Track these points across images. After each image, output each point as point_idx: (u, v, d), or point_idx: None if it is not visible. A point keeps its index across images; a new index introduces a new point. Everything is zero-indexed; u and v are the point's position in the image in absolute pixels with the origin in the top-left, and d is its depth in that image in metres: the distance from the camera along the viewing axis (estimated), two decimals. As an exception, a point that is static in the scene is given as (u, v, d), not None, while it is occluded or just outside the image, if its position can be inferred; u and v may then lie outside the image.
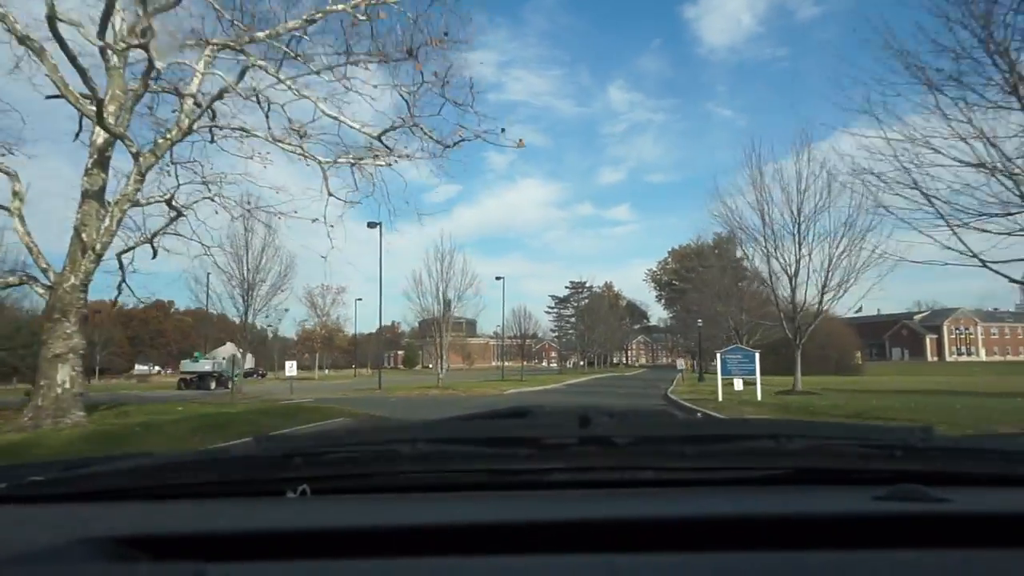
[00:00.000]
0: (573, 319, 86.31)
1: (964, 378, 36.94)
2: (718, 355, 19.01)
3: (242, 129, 14.42)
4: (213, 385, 36.25)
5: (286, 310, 33.64)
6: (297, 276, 68.26)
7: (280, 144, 14.12)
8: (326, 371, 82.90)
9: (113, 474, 1.15)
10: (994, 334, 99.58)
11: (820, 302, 22.50)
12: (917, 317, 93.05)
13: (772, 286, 23.58)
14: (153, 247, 16.33)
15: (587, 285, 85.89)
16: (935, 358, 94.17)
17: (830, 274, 21.90)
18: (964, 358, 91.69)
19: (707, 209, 26.83)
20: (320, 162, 14.57)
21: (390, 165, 14.36)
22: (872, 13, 22.96)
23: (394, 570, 0.73)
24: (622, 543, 0.79)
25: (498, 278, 47.87)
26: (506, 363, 64.23)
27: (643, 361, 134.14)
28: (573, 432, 1.10)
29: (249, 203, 17.51)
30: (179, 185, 15.38)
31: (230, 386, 29.05)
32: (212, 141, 14.90)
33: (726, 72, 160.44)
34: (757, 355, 18.23)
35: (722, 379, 18.66)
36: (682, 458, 1.08)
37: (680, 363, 49.83)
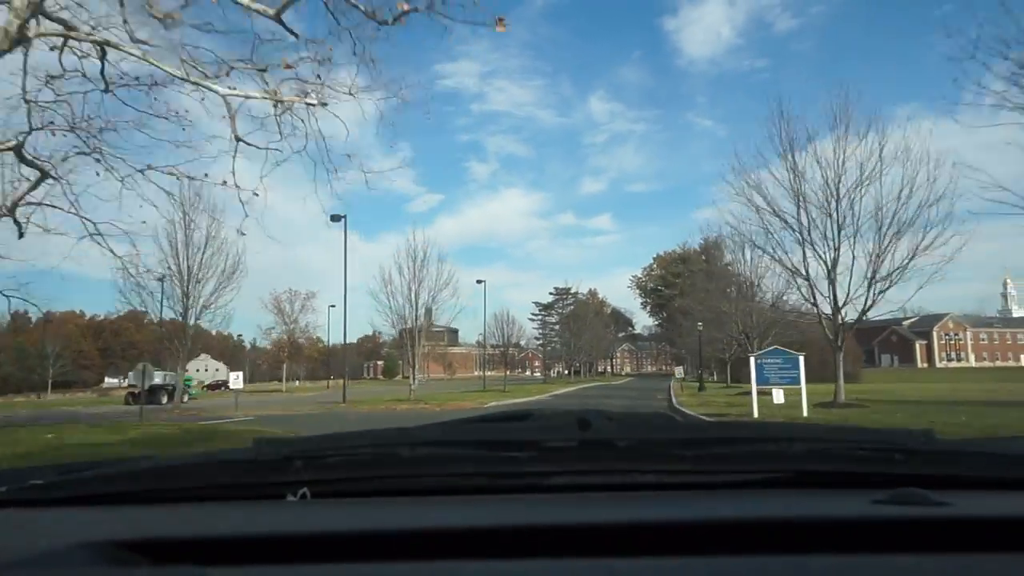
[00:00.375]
0: (558, 327, 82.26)
1: (979, 384, 34.80)
2: (752, 360, 15.36)
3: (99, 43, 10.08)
4: (165, 399, 33.69)
5: (231, 312, 29.33)
6: (265, 280, 63.04)
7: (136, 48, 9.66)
8: (297, 382, 77.88)
9: (113, 478, 1.15)
10: (983, 340, 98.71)
11: (868, 296, 19.31)
12: (906, 323, 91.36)
13: (808, 278, 20.21)
14: (16, 222, 12.00)
15: (572, 291, 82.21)
16: (925, 364, 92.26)
17: (879, 261, 18.89)
18: (954, 364, 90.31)
19: (730, 188, 22.32)
20: (219, 90, 10.30)
21: (323, 105, 10.19)
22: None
23: (394, 574, 0.73)
24: (622, 547, 0.79)
25: (479, 281, 43.93)
26: (489, 373, 59.89)
27: (628, 370, 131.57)
28: (573, 435, 1.10)
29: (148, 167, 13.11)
30: (31, 130, 11.10)
31: (184, 399, 27.71)
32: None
33: (706, 83, 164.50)
34: (802, 360, 14.24)
35: (757, 389, 15.79)
36: (682, 461, 1.09)
37: (679, 371, 45.95)
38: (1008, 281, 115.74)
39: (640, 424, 1.29)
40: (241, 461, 1.15)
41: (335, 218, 27.99)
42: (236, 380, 26.25)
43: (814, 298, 20.20)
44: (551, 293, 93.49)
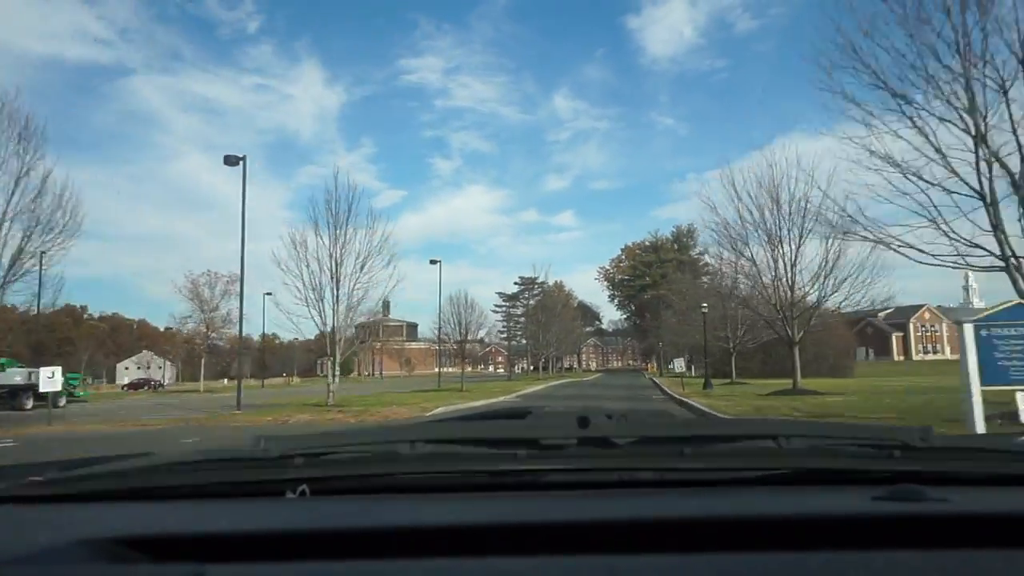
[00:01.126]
0: (523, 319, 75.95)
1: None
2: (967, 328, 8.79)
3: None
4: (30, 403, 27.30)
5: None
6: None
7: None
8: (225, 380, 69.55)
9: (112, 475, 1.16)
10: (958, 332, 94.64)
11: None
12: (882, 315, 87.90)
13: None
14: None
15: (539, 281, 75.88)
16: (901, 357, 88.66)
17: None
18: (930, 356, 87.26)
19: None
20: None
21: None
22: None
23: (393, 571, 0.74)
24: (621, 544, 0.81)
25: (433, 261, 36.94)
26: (450, 369, 52.71)
27: (594, 366, 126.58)
28: (572, 433, 1.11)
29: None
30: None
31: (61, 403, 23.74)
32: None
33: (668, 82, 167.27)
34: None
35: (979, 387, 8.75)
36: (681, 458, 1.10)
37: (678, 363, 39.55)
38: (968, 274, 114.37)
39: (639, 421, 1.31)
40: (241, 458, 1.16)
41: (230, 160, 20.91)
42: (51, 380, 18.14)
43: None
44: (516, 283, 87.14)
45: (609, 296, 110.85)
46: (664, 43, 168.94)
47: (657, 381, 42.93)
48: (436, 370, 45.88)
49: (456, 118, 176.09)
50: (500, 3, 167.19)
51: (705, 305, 32.97)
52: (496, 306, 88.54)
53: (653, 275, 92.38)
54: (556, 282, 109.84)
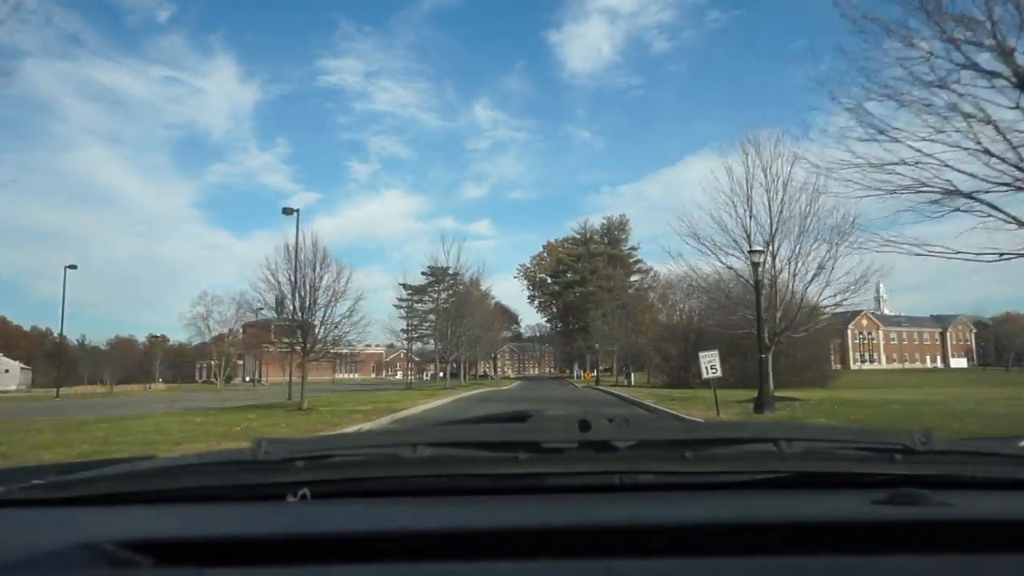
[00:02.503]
0: (432, 316, 62.95)
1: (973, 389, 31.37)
2: None
3: None
4: None
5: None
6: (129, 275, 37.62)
7: None
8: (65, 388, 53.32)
9: (114, 478, 1.16)
10: (893, 340, 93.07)
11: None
12: (822, 318, 79.70)
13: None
14: None
15: (451, 272, 62.98)
16: (838, 365, 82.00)
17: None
18: (868, 365, 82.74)
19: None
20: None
21: None
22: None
23: (394, 575, 0.76)
24: (622, 548, 0.82)
25: (287, 210, 23.39)
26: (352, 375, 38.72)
27: (510, 372, 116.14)
28: (573, 436, 1.13)
29: None
30: None
31: None
32: None
33: (586, 97, 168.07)
34: None
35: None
36: (682, 462, 1.13)
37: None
38: (880, 284, 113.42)
39: (640, 425, 1.31)
40: (242, 462, 1.15)
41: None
42: None
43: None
44: (424, 273, 71.51)
45: (529, 297, 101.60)
46: (583, 59, 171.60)
47: (614, 392, 30.93)
48: (340, 376, 31.49)
49: (375, 122, 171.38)
50: (423, 9, 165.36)
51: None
52: (399, 299, 73.33)
53: (581, 270, 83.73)
54: (472, 278, 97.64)
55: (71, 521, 1.00)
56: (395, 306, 68.69)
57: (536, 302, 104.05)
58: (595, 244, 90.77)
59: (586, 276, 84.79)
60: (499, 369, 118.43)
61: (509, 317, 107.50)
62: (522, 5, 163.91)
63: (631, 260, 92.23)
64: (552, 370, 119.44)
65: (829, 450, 1.20)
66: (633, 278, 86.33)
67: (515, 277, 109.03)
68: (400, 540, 0.83)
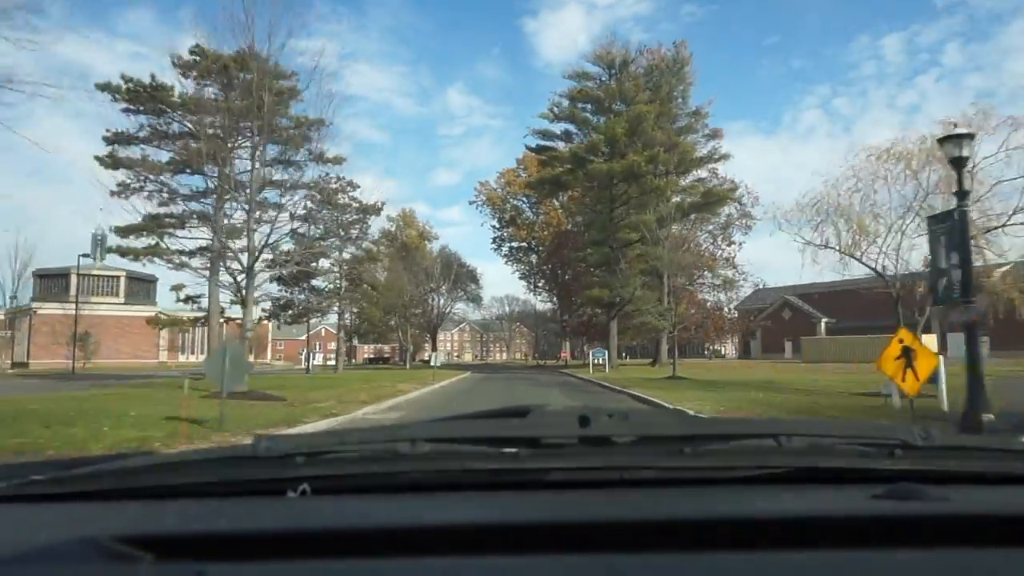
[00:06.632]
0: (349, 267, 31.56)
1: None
2: None
3: None
4: None
5: None
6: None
7: None
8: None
9: (114, 473, 1.15)
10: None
11: None
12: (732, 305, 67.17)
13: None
14: None
15: (378, 206, 31.55)
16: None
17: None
18: (716, 360, 76.72)
19: None
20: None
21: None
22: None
23: (395, 570, 0.76)
24: (621, 543, 0.82)
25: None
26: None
27: (469, 358, 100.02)
28: (573, 431, 1.13)
29: None
30: None
31: None
32: None
33: (561, 85, 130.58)
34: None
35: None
36: (682, 457, 1.13)
37: None
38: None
39: (640, 420, 1.30)
40: (241, 457, 1.15)
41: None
42: None
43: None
44: (178, 66, 23.16)
45: (493, 240, 64.17)
46: (558, 49, 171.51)
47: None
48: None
49: (348, 104, 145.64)
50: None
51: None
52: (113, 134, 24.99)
53: (609, 128, 42.37)
54: (404, 209, 62.83)
55: (70, 516, 1.00)
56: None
57: (504, 249, 63.73)
58: (631, 85, 43.61)
59: (619, 137, 40.94)
60: (452, 351, 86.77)
61: (465, 275, 72.28)
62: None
63: (695, 134, 47.57)
64: (529, 357, 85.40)
65: (829, 446, 1.20)
66: (700, 174, 47.02)
67: (471, 202, 68.48)
68: (400, 535, 0.83)
